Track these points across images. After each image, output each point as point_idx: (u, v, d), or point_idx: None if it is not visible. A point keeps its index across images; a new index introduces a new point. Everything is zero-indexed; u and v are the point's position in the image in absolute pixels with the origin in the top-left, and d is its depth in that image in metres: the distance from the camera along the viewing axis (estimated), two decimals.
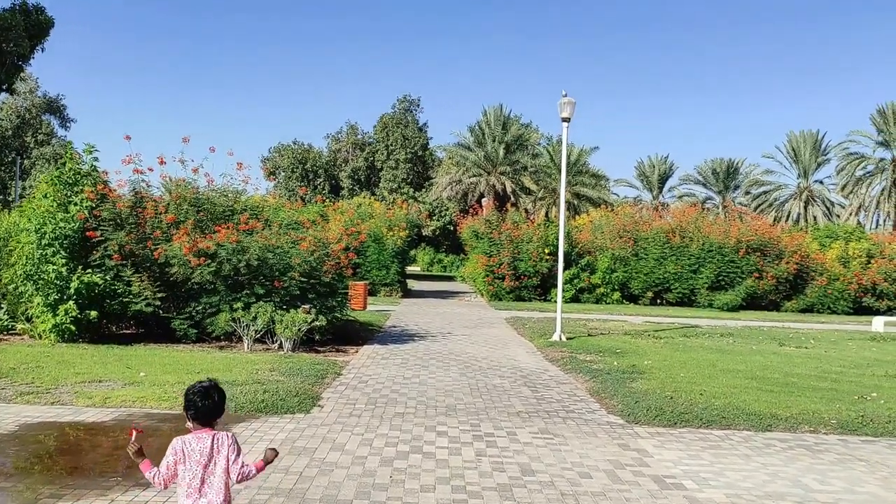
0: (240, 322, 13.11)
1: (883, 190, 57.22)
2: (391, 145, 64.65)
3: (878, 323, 23.46)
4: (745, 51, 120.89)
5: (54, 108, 62.33)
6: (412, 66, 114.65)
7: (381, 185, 64.49)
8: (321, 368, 11.16)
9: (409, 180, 64.26)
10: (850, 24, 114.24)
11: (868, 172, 58.65)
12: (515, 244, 31.00)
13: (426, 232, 64.35)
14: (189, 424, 3.56)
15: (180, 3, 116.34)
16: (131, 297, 13.06)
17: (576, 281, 30.59)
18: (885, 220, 57.43)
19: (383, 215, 32.68)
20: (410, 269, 67.50)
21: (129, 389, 8.97)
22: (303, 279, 13.86)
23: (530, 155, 56.40)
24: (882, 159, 57.62)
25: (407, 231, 32.02)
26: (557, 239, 30.66)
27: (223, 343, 13.74)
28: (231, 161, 18.10)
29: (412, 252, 71.96)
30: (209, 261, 13.12)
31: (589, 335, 17.68)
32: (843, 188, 60.62)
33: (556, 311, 17.37)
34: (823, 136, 62.80)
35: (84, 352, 11.94)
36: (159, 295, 13.19)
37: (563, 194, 17.55)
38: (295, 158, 65.96)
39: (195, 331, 13.53)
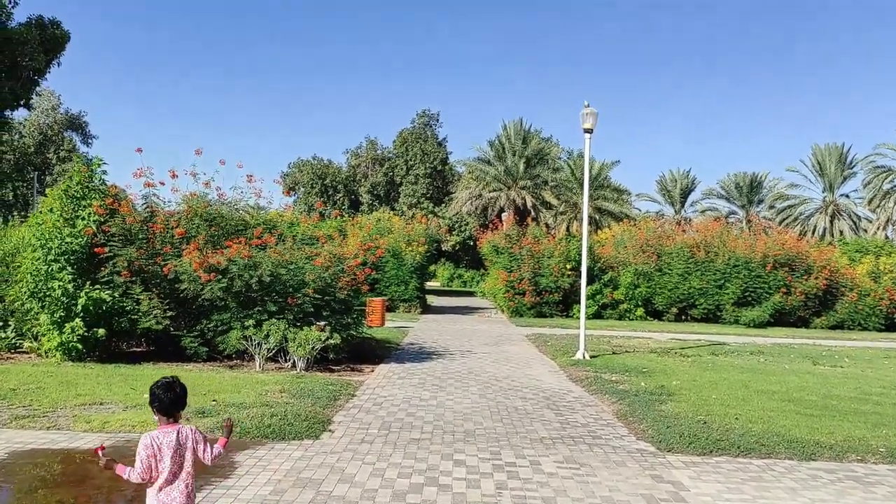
0: (251, 340, 12.67)
1: None
2: (410, 160, 64.44)
3: None
4: (766, 62, 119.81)
5: (76, 124, 62.83)
6: (432, 80, 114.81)
7: (400, 200, 64.22)
8: (334, 389, 10.67)
9: (428, 195, 63.94)
10: (873, 34, 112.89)
11: (895, 186, 57.40)
12: (536, 259, 30.42)
13: (446, 247, 63.92)
14: (155, 418, 3.81)
15: (198, 22, 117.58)
16: (140, 314, 12.68)
17: (598, 297, 29.94)
18: None
19: (402, 230, 32.26)
20: (430, 284, 67.05)
21: (131, 413, 8.53)
22: (317, 296, 13.40)
23: (551, 169, 55.90)
24: None
25: (426, 246, 31.57)
26: (579, 254, 30.15)
27: (234, 362, 13.31)
28: (245, 173, 17.65)
29: (432, 267, 71.59)
30: (220, 277, 12.70)
31: (613, 353, 17.05)
32: (869, 202, 59.35)
33: (578, 328, 16.79)
34: (849, 150, 61.77)
35: (90, 371, 11.55)
36: (169, 312, 12.79)
37: (585, 207, 17.01)
38: (314, 174, 65.93)
39: (206, 349, 13.12)
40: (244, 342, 12.75)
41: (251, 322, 12.71)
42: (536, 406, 10.25)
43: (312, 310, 13.41)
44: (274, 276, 13.03)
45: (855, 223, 61.56)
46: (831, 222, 61.62)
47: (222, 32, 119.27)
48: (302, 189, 65.78)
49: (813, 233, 59.84)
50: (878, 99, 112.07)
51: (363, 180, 67.38)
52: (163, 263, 12.87)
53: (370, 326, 21.59)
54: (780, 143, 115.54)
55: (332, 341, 12.85)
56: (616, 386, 11.99)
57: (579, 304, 28.77)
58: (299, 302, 13.19)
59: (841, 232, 59.80)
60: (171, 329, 13.27)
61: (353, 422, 8.77)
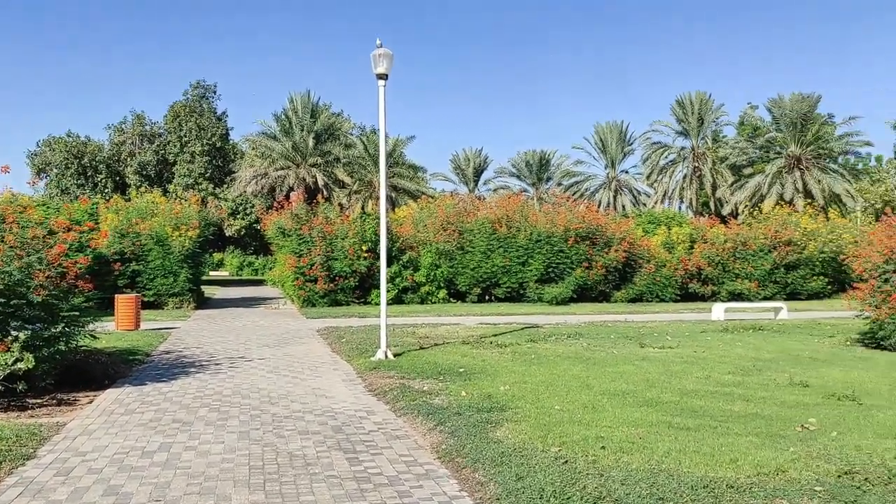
0: None
1: (685, 177, 59.20)
2: (185, 136, 57.84)
3: (718, 311, 22.10)
4: (545, 42, 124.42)
5: None
6: (208, 51, 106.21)
7: (175, 180, 57.49)
8: None
9: (207, 175, 57.87)
10: (649, 21, 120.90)
11: (671, 161, 60.54)
12: (329, 241, 27.06)
13: (230, 232, 58.54)
14: None
15: None
16: None
17: (398, 280, 27.20)
18: (687, 207, 59.51)
19: (169, 213, 27.37)
20: (216, 274, 61.29)
21: None
22: None
23: (343, 145, 52.45)
24: (683, 148, 59.70)
25: (199, 230, 26.99)
26: (375, 234, 27.03)
27: None
28: None
29: (218, 255, 65.68)
30: None
31: (421, 348, 14.22)
32: (648, 177, 62.26)
33: (377, 317, 13.78)
34: (628, 127, 64.76)
35: None
36: None
37: (383, 169, 13.83)
38: (69, 153, 57.20)
39: None
40: None
41: None
42: (322, 447, 7.01)
43: None
44: None
45: (635, 197, 64.57)
46: (615, 197, 64.15)
47: None
48: (55, 171, 56.88)
49: (599, 207, 61.74)
50: (654, 78, 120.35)
51: (129, 159, 59.63)
52: None
53: (122, 330, 17.24)
54: (567, 121, 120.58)
55: (21, 365, 8.72)
56: (430, 399, 9.06)
57: (378, 288, 25.84)
58: None
59: (623, 206, 62.33)
60: None
61: None
